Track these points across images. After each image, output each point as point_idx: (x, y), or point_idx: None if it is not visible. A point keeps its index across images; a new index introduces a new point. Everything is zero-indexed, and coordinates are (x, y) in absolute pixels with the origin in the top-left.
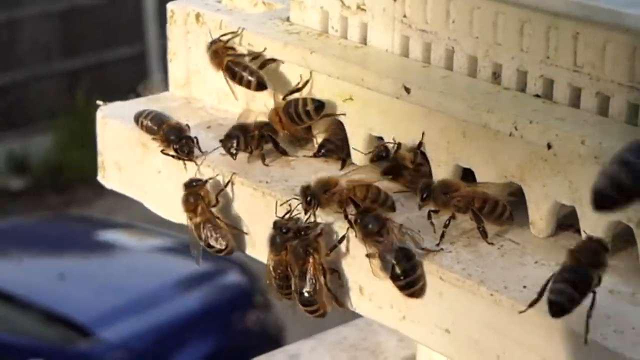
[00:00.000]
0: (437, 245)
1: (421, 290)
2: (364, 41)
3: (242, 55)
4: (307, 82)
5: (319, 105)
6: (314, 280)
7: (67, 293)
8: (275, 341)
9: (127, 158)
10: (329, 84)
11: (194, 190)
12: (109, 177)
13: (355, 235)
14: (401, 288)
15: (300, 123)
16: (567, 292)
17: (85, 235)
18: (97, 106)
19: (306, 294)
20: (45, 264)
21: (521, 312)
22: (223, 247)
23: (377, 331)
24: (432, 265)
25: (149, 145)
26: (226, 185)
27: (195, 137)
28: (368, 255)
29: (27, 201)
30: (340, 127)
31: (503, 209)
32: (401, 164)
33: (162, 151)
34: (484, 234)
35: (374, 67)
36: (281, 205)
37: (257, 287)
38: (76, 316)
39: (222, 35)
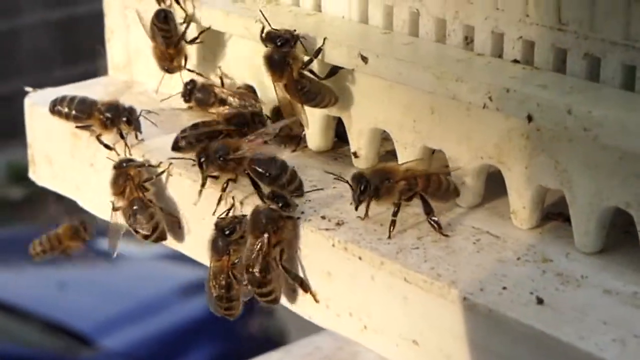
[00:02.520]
0: (389, 237)
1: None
2: (318, 8)
3: None
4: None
5: None
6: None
7: (68, 302)
8: (278, 347)
9: (57, 150)
10: None
11: (123, 170)
12: (39, 172)
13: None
14: None
15: None
16: None
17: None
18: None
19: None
20: (45, 273)
21: None
22: (149, 232)
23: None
24: (395, 264)
25: (80, 135)
26: (161, 174)
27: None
28: None
29: (27, 211)
30: None
31: (448, 184)
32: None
33: (97, 137)
34: (436, 225)
35: (328, 36)
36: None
37: None
38: (77, 325)
39: None
